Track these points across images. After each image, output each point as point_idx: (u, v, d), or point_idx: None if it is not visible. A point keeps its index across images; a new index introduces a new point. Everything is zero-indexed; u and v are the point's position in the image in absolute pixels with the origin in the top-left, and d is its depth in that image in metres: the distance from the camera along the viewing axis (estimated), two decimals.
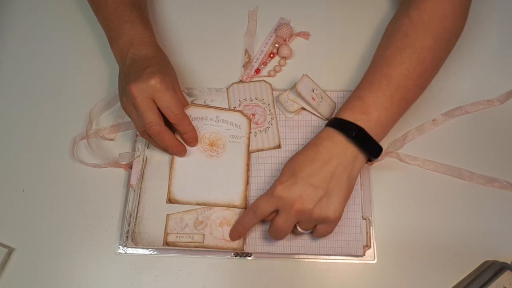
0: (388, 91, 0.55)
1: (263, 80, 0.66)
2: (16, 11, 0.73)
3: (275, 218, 0.54)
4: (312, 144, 0.56)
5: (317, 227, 0.55)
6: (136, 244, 0.58)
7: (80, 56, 0.70)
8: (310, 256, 0.58)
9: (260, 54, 0.69)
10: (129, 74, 0.57)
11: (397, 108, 0.56)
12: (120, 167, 0.62)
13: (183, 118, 0.58)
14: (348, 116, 0.55)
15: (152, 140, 0.59)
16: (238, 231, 0.57)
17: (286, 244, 0.58)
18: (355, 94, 0.57)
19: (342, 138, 0.54)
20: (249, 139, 0.62)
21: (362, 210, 0.59)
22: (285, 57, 0.68)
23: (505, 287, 0.53)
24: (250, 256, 0.58)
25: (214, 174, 0.60)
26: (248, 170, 0.61)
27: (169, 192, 0.60)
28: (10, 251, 0.58)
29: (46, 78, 0.69)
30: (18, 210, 0.61)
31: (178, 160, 0.61)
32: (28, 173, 0.62)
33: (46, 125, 0.65)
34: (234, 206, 0.59)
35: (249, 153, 0.62)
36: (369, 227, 0.58)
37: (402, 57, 0.56)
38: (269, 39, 0.70)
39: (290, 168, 0.55)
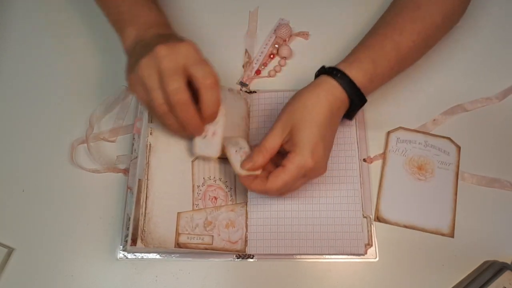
0: (394, 59, 0.57)
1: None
2: (16, 13, 0.73)
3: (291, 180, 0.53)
4: (315, 92, 0.55)
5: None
6: (146, 245, 0.53)
7: (80, 59, 0.70)
8: (311, 256, 0.58)
9: (260, 55, 0.69)
10: (152, 43, 0.51)
11: (388, 77, 0.58)
12: (119, 172, 0.62)
13: (218, 85, 0.52)
14: (349, 71, 0.55)
15: (170, 118, 0.52)
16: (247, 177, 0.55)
17: (288, 245, 0.57)
18: (366, 54, 0.57)
19: (342, 93, 0.54)
20: (458, 167, 0.61)
21: (362, 208, 0.59)
22: (285, 57, 0.69)
23: (505, 287, 0.53)
24: (252, 258, 0.58)
25: (422, 198, 0.60)
26: (456, 199, 0.60)
27: (377, 209, 0.60)
28: (10, 251, 0.58)
29: (46, 80, 0.68)
30: (18, 210, 0.61)
31: (387, 179, 0.61)
32: (28, 173, 0.62)
33: (46, 125, 0.65)
34: (442, 234, 0.58)
35: (457, 181, 0.60)
36: (370, 225, 0.58)
37: (413, 29, 0.58)
38: (269, 40, 0.70)
39: (313, 132, 0.53)
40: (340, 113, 0.56)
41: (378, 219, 0.59)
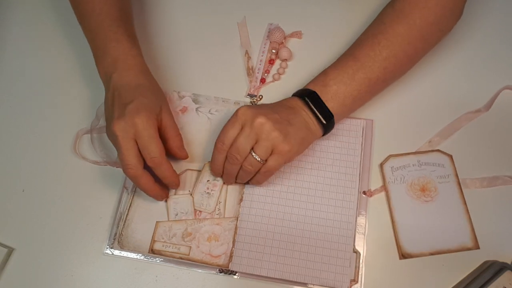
0: (351, 69, 0.58)
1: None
2: (26, 4, 0.74)
3: (236, 136, 0.55)
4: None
5: (269, 158, 0.55)
6: (121, 248, 0.58)
7: (88, 52, 0.70)
8: (295, 284, 0.56)
9: (260, 64, 0.69)
10: (112, 106, 0.56)
11: (357, 85, 0.58)
12: (119, 167, 0.62)
13: (161, 162, 0.55)
14: (309, 87, 0.59)
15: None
16: (216, 171, 0.59)
17: (272, 267, 0.56)
18: (322, 71, 0.60)
19: (299, 101, 0.58)
20: (457, 176, 0.60)
21: (354, 243, 0.57)
22: (286, 59, 0.69)
23: (505, 287, 0.53)
24: (235, 275, 0.57)
25: (436, 220, 0.58)
26: (467, 208, 0.59)
27: (398, 247, 0.57)
28: (10, 251, 0.58)
29: (53, 74, 0.69)
30: (18, 210, 0.60)
31: (396, 212, 0.59)
32: (28, 173, 0.62)
33: (47, 124, 0.66)
34: (468, 249, 0.57)
35: (462, 191, 0.60)
36: (359, 261, 0.57)
37: (372, 40, 0.59)
38: (264, 47, 0.70)
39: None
40: (292, 103, 0.58)
41: (404, 256, 0.57)
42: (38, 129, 0.65)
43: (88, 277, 0.57)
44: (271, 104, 0.59)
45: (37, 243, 0.59)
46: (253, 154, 0.55)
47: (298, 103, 0.58)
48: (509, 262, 0.56)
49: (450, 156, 0.62)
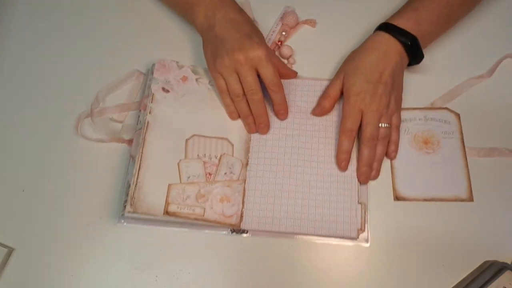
0: (437, 10, 0.62)
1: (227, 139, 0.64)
2: None
3: (364, 126, 0.60)
4: (370, 49, 0.62)
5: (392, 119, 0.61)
6: (135, 210, 0.58)
7: (90, 37, 0.71)
8: (304, 236, 0.59)
9: (268, 42, 0.70)
10: (227, 38, 0.60)
11: (440, 27, 0.65)
12: (123, 142, 0.63)
13: (282, 87, 0.61)
14: (403, 24, 0.61)
15: (243, 104, 0.62)
16: (345, 159, 0.61)
17: (282, 223, 0.59)
18: (410, 5, 0.64)
19: (399, 45, 0.61)
20: (461, 133, 0.63)
21: (358, 194, 0.60)
22: (287, 57, 0.69)
23: (505, 287, 0.53)
24: (246, 233, 0.59)
25: (434, 170, 0.61)
26: (467, 164, 0.61)
27: (394, 190, 0.61)
28: (10, 251, 0.58)
29: (53, 73, 0.69)
30: (18, 210, 0.60)
31: (396, 160, 0.62)
32: (28, 173, 0.62)
33: (48, 124, 0.66)
34: (462, 200, 0.59)
35: (464, 147, 0.62)
36: (364, 212, 0.59)
37: None
38: (275, 27, 0.71)
39: (359, 78, 0.61)
40: (392, 55, 0.61)
41: (397, 198, 0.60)
42: (38, 129, 0.65)
43: (88, 277, 0.57)
44: (368, 70, 0.60)
45: (37, 243, 0.59)
46: (382, 125, 0.60)
47: (396, 48, 0.61)
48: (509, 262, 0.56)
49: (458, 115, 0.63)
